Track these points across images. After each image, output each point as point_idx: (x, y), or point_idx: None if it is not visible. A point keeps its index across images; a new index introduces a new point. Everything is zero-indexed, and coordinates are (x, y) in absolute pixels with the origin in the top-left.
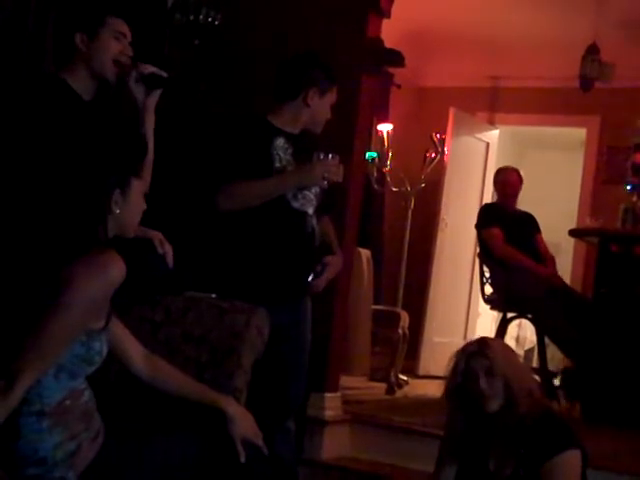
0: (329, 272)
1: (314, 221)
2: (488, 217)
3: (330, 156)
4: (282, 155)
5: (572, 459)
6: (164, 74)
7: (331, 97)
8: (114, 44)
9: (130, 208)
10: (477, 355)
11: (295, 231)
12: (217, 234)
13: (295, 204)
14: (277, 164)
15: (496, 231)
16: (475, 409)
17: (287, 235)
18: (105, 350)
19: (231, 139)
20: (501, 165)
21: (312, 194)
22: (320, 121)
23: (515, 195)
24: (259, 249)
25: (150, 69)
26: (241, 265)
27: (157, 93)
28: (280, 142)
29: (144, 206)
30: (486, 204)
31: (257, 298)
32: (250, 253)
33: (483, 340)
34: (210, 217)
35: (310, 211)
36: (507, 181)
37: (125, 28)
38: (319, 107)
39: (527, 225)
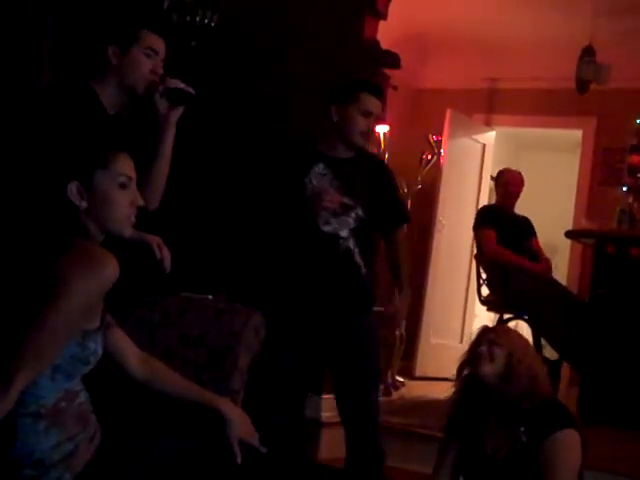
0: (392, 324)
1: (349, 242)
2: (484, 219)
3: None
4: (315, 183)
5: (572, 437)
6: (191, 91)
7: (359, 105)
8: (145, 61)
9: (104, 202)
10: (488, 330)
11: (326, 253)
12: (251, 254)
13: (326, 228)
14: (309, 192)
15: (489, 232)
16: (476, 389)
17: (318, 257)
18: (100, 351)
19: (273, 164)
20: (498, 166)
21: (351, 218)
22: (351, 133)
23: (516, 196)
24: (292, 270)
25: (178, 84)
26: (279, 286)
27: (180, 109)
28: (319, 168)
29: (138, 202)
30: (484, 206)
31: (300, 315)
32: (285, 275)
33: (501, 324)
34: (245, 236)
35: (343, 234)
36: (510, 181)
37: (158, 43)
38: (344, 118)
39: (523, 228)
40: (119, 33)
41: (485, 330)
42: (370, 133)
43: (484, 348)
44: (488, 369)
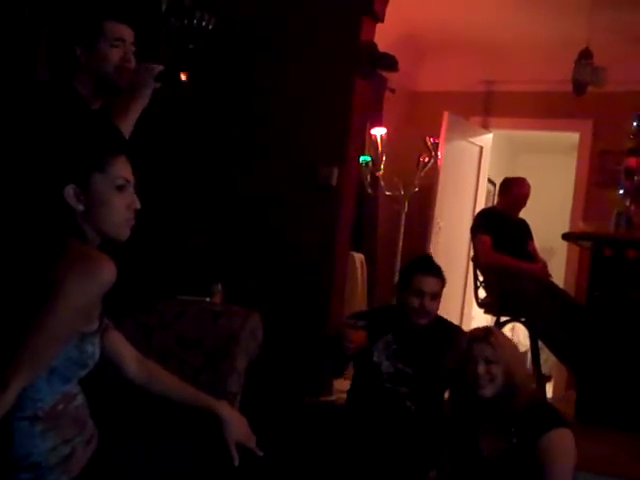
0: None
1: (407, 398)
2: (480, 224)
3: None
4: (377, 355)
5: (565, 436)
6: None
7: (412, 287)
8: (113, 52)
9: (101, 204)
10: (480, 341)
11: (386, 403)
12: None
13: (387, 385)
14: (374, 359)
15: (484, 238)
16: (469, 392)
17: (380, 406)
18: (97, 353)
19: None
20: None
21: (405, 387)
22: (407, 313)
23: (524, 205)
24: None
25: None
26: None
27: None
28: (388, 338)
29: (136, 205)
30: (482, 210)
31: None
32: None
33: (489, 328)
34: None
35: (402, 390)
36: (522, 194)
37: (123, 31)
38: (401, 302)
39: (521, 232)
40: (83, 32)
41: (477, 340)
42: (425, 311)
43: (482, 368)
44: (489, 390)
